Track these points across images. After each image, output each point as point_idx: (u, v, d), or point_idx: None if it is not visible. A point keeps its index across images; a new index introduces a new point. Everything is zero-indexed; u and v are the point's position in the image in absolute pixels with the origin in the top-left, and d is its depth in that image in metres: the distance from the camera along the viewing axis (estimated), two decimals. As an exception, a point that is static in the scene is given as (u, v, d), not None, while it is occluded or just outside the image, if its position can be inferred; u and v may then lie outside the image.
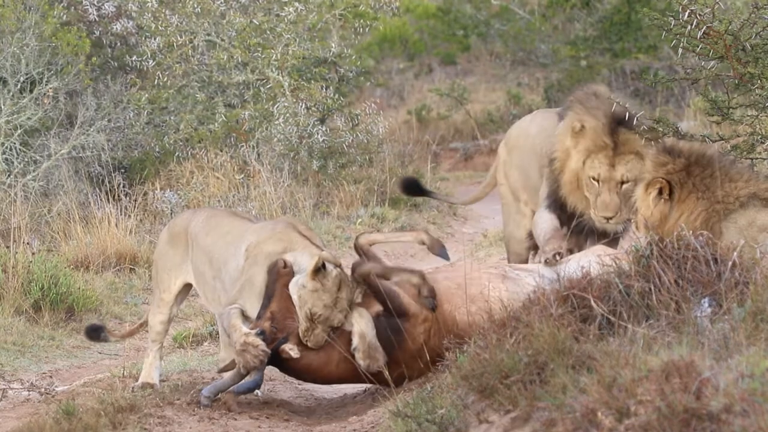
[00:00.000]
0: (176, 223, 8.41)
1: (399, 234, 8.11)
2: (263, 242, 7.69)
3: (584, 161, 8.67)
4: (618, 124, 8.60)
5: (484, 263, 7.93)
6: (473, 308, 7.26)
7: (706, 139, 8.14)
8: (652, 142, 8.19)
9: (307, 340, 7.41)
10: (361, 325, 7.43)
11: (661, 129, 8.30)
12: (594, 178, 8.61)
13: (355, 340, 7.42)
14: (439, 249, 7.97)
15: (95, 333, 8.72)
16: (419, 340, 7.43)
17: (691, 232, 6.12)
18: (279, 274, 7.49)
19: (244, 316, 7.57)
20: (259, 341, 7.35)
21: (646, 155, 8.46)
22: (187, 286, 8.34)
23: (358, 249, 7.90)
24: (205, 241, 8.03)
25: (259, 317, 7.49)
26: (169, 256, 8.28)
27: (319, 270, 7.37)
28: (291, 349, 7.40)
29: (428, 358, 7.31)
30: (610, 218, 8.62)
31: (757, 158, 8.26)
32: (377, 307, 7.50)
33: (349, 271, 7.65)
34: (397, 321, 7.42)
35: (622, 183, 8.61)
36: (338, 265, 7.49)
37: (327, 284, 7.37)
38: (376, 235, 8.08)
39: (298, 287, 7.42)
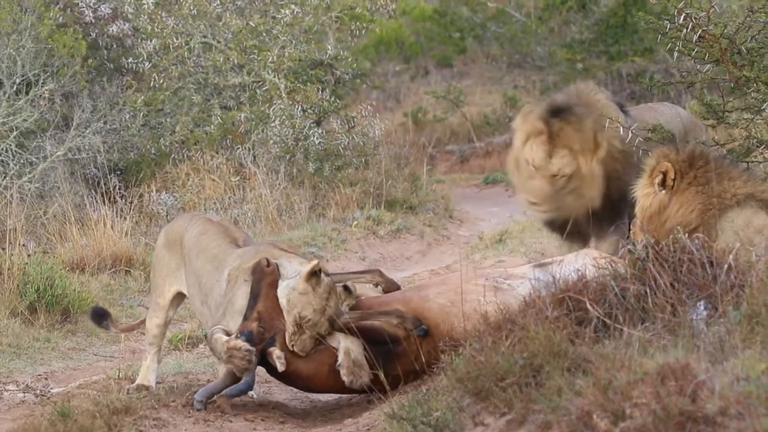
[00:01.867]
0: (173, 229, 8.39)
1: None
2: (244, 263, 7.68)
3: (524, 143, 8.71)
4: (554, 113, 8.61)
5: (475, 272, 7.85)
6: (468, 326, 7.23)
7: (702, 144, 8.15)
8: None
9: (293, 345, 7.39)
10: (347, 342, 7.42)
11: (655, 138, 8.30)
12: (528, 161, 8.64)
13: (341, 356, 7.41)
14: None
15: (99, 318, 8.71)
16: (413, 356, 7.43)
17: (688, 233, 6.14)
18: (263, 273, 7.49)
19: (228, 335, 7.54)
20: (241, 343, 7.34)
21: (579, 154, 8.50)
22: (183, 293, 8.33)
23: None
24: (196, 262, 8.00)
25: (245, 318, 7.48)
26: (165, 260, 8.27)
27: (315, 273, 7.36)
28: (278, 358, 7.38)
29: (425, 369, 7.32)
30: (535, 204, 8.65)
31: (752, 162, 8.27)
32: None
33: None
34: (390, 346, 7.44)
35: (555, 176, 8.63)
36: (328, 275, 7.50)
37: (318, 290, 7.35)
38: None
39: (288, 290, 7.41)
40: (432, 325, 7.44)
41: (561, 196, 8.56)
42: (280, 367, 7.37)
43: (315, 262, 7.42)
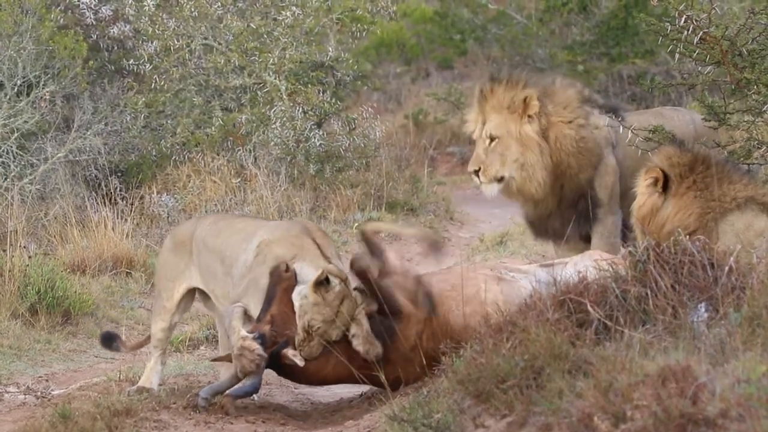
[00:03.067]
0: (180, 232, 8.38)
1: (405, 227, 8.00)
2: (275, 242, 7.66)
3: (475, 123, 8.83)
4: (492, 80, 8.72)
5: (480, 264, 7.89)
6: (467, 310, 7.25)
7: (704, 146, 8.15)
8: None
9: (301, 350, 7.38)
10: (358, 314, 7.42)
11: (656, 139, 8.30)
12: (473, 138, 8.77)
13: (353, 328, 7.39)
14: (435, 252, 7.91)
15: (109, 341, 8.71)
16: (411, 341, 7.43)
17: (687, 236, 6.14)
18: (280, 278, 7.48)
19: (247, 316, 7.56)
20: (255, 345, 7.32)
21: (507, 115, 8.57)
22: (190, 294, 8.31)
23: (363, 236, 7.76)
24: (215, 242, 7.99)
25: (259, 320, 7.47)
26: (172, 264, 8.24)
27: (321, 283, 7.33)
28: (294, 356, 7.38)
29: (423, 360, 7.30)
30: (476, 172, 8.69)
31: (753, 163, 8.27)
32: (371, 305, 7.48)
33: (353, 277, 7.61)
34: (390, 321, 7.41)
35: (491, 140, 8.66)
36: (344, 279, 7.45)
37: (328, 298, 7.33)
38: (380, 224, 7.89)
39: (301, 297, 7.40)
40: None
41: (492, 160, 8.62)
42: (300, 362, 7.35)
43: (320, 271, 7.38)
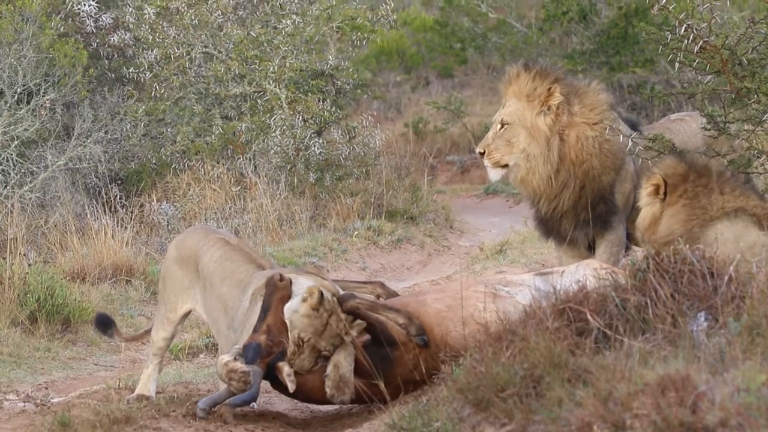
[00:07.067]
0: (186, 244, 8.24)
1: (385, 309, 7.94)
2: None
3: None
4: (523, 66, 8.77)
5: (474, 279, 7.85)
6: (466, 331, 7.22)
7: (703, 155, 8.16)
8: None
9: (292, 363, 7.37)
10: (339, 356, 7.40)
11: (656, 148, 8.31)
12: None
13: (329, 368, 7.39)
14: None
15: (104, 326, 8.65)
16: (409, 366, 7.42)
17: (687, 245, 6.14)
18: (275, 288, 7.47)
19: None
20: (238, 365, 7.29)
21: (526, 102, 8.61)
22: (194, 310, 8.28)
23: (351, 313, 7.68)
24: (221, 288, 7.91)
25: (255, 330, 7.46)
26: (177, 276, 8.16)
27: (313, 298, 7.33)
28: (288, 375, 7.36)
29: (425, 379, 7.30)
30: (482, 154, 8.76)
31: (753, 173, 8.28)
32: (364, 336, 7.46)
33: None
34: (385, 350, 7.41)
35: (502, 125, 8.70)
36: (335, 296, 7.44)
37: (321, 311, 7.32)
38: (359, 302, 7.75)
39: (291, 312, 7.39)
40: (427, 329, 7.43)
41: (498, 145, 8.67)
42: (291, 386, 7.34)
43: (315, 288, 7.36)
